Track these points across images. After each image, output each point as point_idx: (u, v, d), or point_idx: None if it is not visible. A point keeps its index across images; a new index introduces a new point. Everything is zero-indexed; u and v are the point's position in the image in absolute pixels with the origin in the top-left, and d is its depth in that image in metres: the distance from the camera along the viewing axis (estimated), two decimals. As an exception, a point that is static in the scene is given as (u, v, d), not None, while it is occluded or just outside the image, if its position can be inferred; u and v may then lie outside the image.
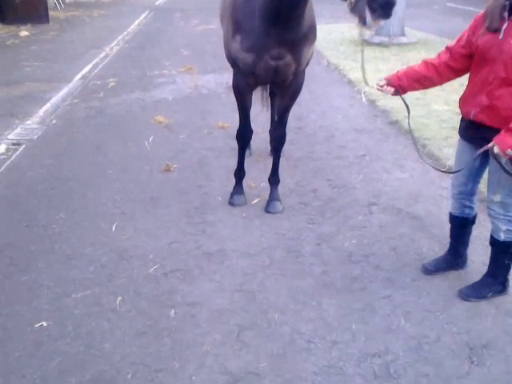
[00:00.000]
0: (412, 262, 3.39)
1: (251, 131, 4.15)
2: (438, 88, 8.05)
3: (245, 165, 4.33)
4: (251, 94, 3.88)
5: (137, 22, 14.99)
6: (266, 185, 4.31)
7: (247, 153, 4.96)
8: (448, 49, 2.96)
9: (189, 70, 8.86)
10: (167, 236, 3.75)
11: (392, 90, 3.07)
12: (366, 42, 11.17)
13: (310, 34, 3.59)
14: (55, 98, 7.45)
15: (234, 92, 3.86)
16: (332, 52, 10.19)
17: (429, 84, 3.07)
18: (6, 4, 13.70)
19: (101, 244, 3.68)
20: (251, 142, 5.15)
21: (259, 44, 3.44)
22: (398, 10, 11.01)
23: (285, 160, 4.78)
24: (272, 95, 5.03)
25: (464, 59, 2.87)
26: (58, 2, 17.66)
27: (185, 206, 4.21)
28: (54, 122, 6.44)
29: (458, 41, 2.90)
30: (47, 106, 7.09)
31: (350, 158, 5.09)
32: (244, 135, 4.07)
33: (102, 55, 10.46)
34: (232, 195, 4.21)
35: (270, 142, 4.10)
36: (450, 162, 4.81)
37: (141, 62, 9.68)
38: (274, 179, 4.16)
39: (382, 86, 3.09)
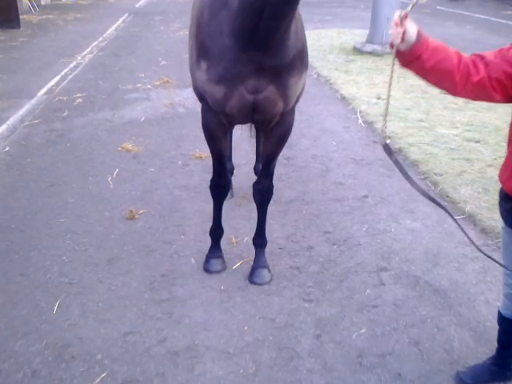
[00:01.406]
0: (442, 365, 2.58)
1: (229, 182, 3.33)
2: (440, 106, 7.43)
3: (225, 210, 3.52)
4: (226, 135, 3.06)
5: (114, 27, 14.09)
6: (250, 239, 3.49)
7: (228, 194, 4.14)
8: (483, 59, 1.96)
9: (165, 84, 8.02)
10: (122, 322, 2.91)
11: (401, 37, 1.88)
12: (357, 51, 10.42)
13: (299, 61, 2.74)
14: (13, 118, 6.57)
15: (204, 133, 3.03)
16: (321, 63, 9.40)
17: (445, 78, 1.98)
18: (-27, 8, 12.74)
19: (36, 335, 2.85)
20: (232, 177, 4.35)
21: (231, 72, 2.61)
22: (391, 16, 10.24)
23: (273, 203, 3.93)
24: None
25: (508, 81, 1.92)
26: (32, 5, 16.66)
27: (149, 272, 3.37)
28: (6, 148, 5.58)
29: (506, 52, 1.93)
30: (3, 128, 6.20)
31: (350, 201, 4.28)
32: (219, 188, 3.24)
33: (72, 65, 9.58)
34: (208, 259, 3.38)
35: (254, 195, 3.25)
36: (469, 206, 4.03)
37: (113, 74, 8.82)
38: (259, 241, 3.34)
39: (402, 18, 1.88)
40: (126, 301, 3.10)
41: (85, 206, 4.28)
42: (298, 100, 2.94)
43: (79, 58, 10.26)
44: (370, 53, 10.26)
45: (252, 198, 3.31)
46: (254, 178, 4.39)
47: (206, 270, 3.34)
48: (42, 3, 18.03)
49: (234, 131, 4.07)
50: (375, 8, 10.39)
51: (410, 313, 2.95)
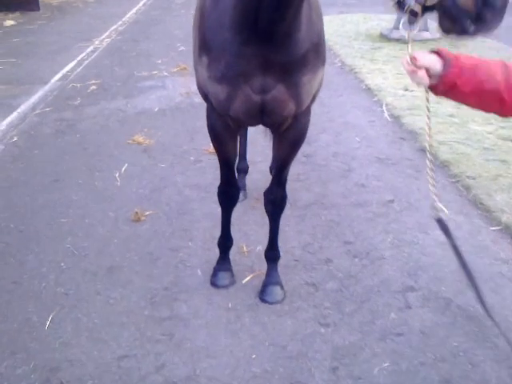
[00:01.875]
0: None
1: (238, 189, 2.99)
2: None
3: (237, 214, 3.23)
4: (235, 139, 2.74)
5: (134, 10, 13.80)
6: (263, 248, 3.18)
7: (241, 195, 3.83)
8: None
9: (182, 71, 7.69)
10: (118, 343, 2.64)
11: (426, 77, 1.62)
12: (384, 38, 9.94)
13: (313, 56, 2.35)
14: (24, 106, 6.35)
15: (210, 136, 2.71)
16: (346, 50, 8.97)
17: (489, 100, 1.65)
18: (-7, -11, 12.57)
19: (24, 354, 2.60)
20: (246, 176, 4.04)
21: (234, 70, 2.27)
22: None
23: (289, 206, 3.60)
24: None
25: None
26: (53, -13, 16.39)
27: (151, 283, 3.09)
28: (14, 139, 5.35)
29: None
30: (12, 116, 5.98)
31: (374, 206, 3.93)
32: (228, 195, 2.92)
33: (89, 49, 9.34)
34: (215, 272, 3.09)
35: (265, 205, 2.93)
36: (506, 216, 3.66)
37: (130, 59, 8.53)
38: (271, 254, 3.03)
39: (412, 62, 1.62)
40: (124, 317, 2.82)
41: (88, 204, 4.01)
42: (314, 99, 2.60)
43: (97, 42, 10.00)
44: (398, 40, 9.76)
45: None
46: (270, 177, 4.08)
47: (213, 284, 3.05)
48: (63, -15, 17.76)
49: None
50: (404, -7, 9.86)
51: (439, 343, 2.62)
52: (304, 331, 2.70)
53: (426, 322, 2.76)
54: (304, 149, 4.61)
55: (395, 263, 3.26)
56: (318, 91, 2.57)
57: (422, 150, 4.89)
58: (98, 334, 2.71)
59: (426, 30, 10.16)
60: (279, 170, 2.77)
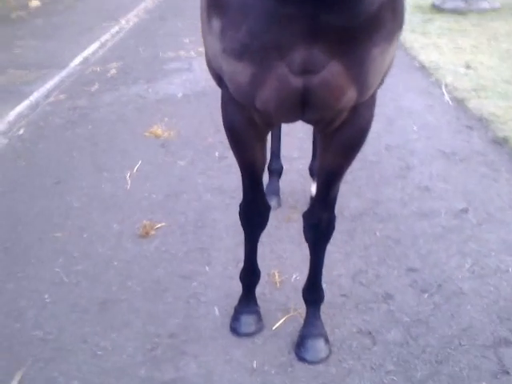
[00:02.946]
0: None
1: (267, 208, 2.16)
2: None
3: (268, 227, 2.46)
4: (262, 141, 1.94)
5: (167, -12, 13.05)
6: (302, 278, 2.41)
7: (273, 203, 3.06)
8: None
9: (212, 51, 6.89)
10: (101, 423, 1.92)
11: None
12: (436, 9, 8.89)
13: (391, 14, 1.53)
14: (38, 93, 5.73)
15: (227, 136, 1.93)
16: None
17: None
18: (19, -30, 12.03)
19: None
20: (279, 182, 3.26)
21: (262, 39, 1.48)
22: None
23: None
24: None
25: None
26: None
27: (153, 328, 2.36)
28: (20, 131, 4.73)
29: None
30: (23, 104, 5.37)
31: (442, 217, 3.09)
32: (253, 217, 2.13)
33: (114, 30, 8.69)
34: (237, 314, 2.33)
35: (305, 231, 2.13)
36: None
37: (156, 39, 7.82)
38: (312, 296, 2.24)
39: None
40: (113, 379, 2.10)
41: (91, 213, 3.32)
42: (382, 83, 1.77)
43: (123, 22, 9.35)
44: (452, 10, 8.72)
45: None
46: (310, 179, 3.29)
47: (234, 331, 2.30)
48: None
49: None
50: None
51: None
52: (357, 413, 1.91)
53: (533, 401, 1.93)
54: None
55: (479, 301, 2.42)
56: (389, 69, 1.75)
57: (497, 143, 3.99)
58: (76, 404, 2.01)
59: (485, -1, 9.04)
60: (326, 184, 1.96)
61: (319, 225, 2.03)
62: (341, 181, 1.96)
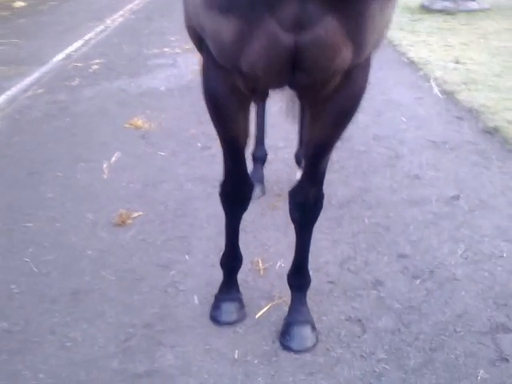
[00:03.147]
0: None
1: (249, 187, 2.01)
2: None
3: (250, 216, 2.36)
4: (246, 111, 1.80)
5: (153, -10, 12.92)
6: (286, 265, 2.26)
7: (257, 192, 2.91)
8: None
9: (197, 48, 6.76)
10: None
11: None
12: (425, 9, 8.86)
13: None
14: (16, 88, 5.56)
15: (207, 107, 1.79)
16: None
17: None
18: (4, -29, 11.85)
19: None
20: (263, 169, 3.12)
21: None
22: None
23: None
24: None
25: None
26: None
27: (128, 317, 2.20)
28: (-4, 124, 4.52)
29: None
30: (0, 98, 5.17)
31: (434, 204, 2.96)
32: (234, 196, 1.98)
33: (99, 29, 8.56)
34: (218, 302, 2.17)
35: (290, 211, 1.98)
36: None
37: (141, 38, 7.68)
38: (298, 281, 2.10)
39: None
40: (82, 372, 1.94)
41: (65, 203, 3.14)
42: (378, 45, 1.64)
43: (108, 21, 9.22)
44: (441, 11, 8.70)
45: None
46: (295, 168, 3.15)
47: (215, 319, 2.14)
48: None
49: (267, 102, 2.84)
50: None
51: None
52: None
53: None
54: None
55: (474, 287, 2.29)
56: (386, 30, 1.62)
57: (488, 132, 3.88)
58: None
59: (474, -1, 9.03)
60: (315, 158, 1.81)
61: (306, 203, 1.88)
62: (330, 154, 1.83)
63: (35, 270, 2.55)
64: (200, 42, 1.69)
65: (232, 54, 1.50)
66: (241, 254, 2.18)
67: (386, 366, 1.89)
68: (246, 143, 1.87)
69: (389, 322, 2.10)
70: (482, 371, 1.85)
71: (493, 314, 2.12)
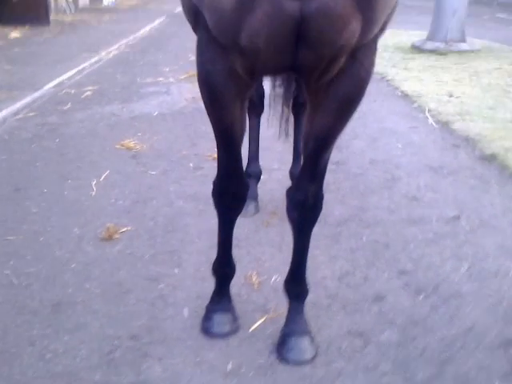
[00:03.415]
0: None
1: (245, 186, 1.90)
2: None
3: (245, 232, 2.28)
4: (243, 98, 1.70)
5: (148, 27, 13.13)
6: (282, 279, 2.13)
7: (250, 209, 2.81)
8: None
9: (191, 77, 6.77)
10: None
11: None
12: (416, 49, 9.02)
13: None
14: (6, 111, 5.45)
15: (201, 92, 1.69)
16: (376, 60, 7.99)
17: None
18: (2, 3, 12.01)
19: None
20: (257, 187, 3.02)
21: None
22: (459, 9, 8.80)
23: (318, 225, 2.49)
24: (298, 107, 2.87)
25: None
26: (68, 6, 15.92)
27: (112, 329, 2.04)
28: (-17, 145, 4.41)
29: None
30: (-11, 120, 5.08)
31: (434, 224, 2.87)
32: (228, 194, 1.87)
33: (94, 59, 8.55)
34: (209, 313, 2.03)
35: (288, 210, 1.87)
36: None
37: (135, 68, 7.68)
38: (295, 288, 1.97)
39: None
40: (61, 384, 1.77)
41: (50, 218, 3.01)
42: (384, 29, 1.57)
43: (103, 53, 9.24)
44: (432, 51, 8.85)
45: (286, 215, 1.91)
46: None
47: (206, 331, 1.99)
48: (80, 5, 17.31)
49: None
50: (440, 0, 8.98)
51: None
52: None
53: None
54: (333, 155, 3.60)
55: (480, 303, 2.17)
56: (393, 12, 1.55)
57: (485, 159, 3.84)
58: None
59: (464, 41, 9.21)
60: (316, 152, 1.70)
61: (305, 201, 1.77)
62: (331, 148, 1.73)
63: (15, 282, 2.40)
64: (195, 17, 1.60)
65: (231, 25, 1.40)
66: (234, 263, 2.06)
67: (392, 379, 1.74)
68: (241, 137, 1.77)
69: (392, 335, 1.97)
70: (497, 383, 1.71)
71: (502, 330, 2.00)
